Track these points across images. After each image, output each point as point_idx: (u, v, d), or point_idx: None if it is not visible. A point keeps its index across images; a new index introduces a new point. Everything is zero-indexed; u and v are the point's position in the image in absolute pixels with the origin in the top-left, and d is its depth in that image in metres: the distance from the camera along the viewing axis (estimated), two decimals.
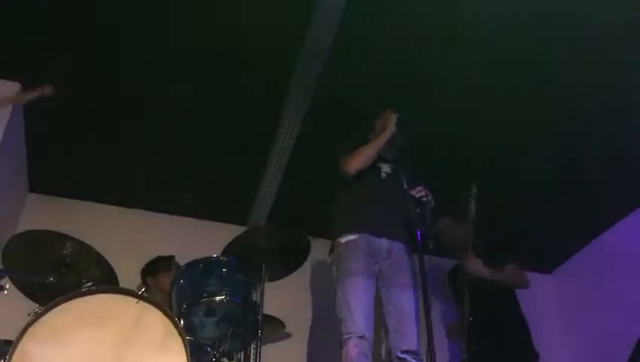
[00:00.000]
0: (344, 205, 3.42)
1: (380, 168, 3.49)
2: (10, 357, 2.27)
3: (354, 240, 3.19)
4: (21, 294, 3.00)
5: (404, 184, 3.32)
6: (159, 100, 3.90)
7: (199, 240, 4.39)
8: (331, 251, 3.33)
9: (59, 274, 2.92)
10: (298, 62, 3.62)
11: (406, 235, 3.24)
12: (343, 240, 3.23)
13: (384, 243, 3.22)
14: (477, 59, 3.62)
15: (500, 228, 4.37)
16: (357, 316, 2.96)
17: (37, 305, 2.90)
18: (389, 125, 3.41)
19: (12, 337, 2.55)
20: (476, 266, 3.72)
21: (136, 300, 2.49)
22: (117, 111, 3.98)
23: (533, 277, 5.10)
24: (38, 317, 2.38)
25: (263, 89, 3.83)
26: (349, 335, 2.93)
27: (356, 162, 3.34)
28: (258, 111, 3.98)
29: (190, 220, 4.85)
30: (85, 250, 2.98)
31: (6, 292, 2.72)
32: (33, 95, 3.30)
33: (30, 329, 2.35)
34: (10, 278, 2.82)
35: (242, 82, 3.78)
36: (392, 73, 3.74)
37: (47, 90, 3.26)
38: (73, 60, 3.60)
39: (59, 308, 2.42)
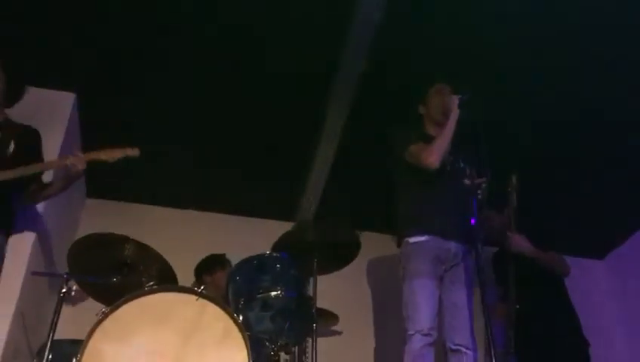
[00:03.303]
0: (411, 200, 3.38)
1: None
2: (82, 355, 2.39)
3: (424, 241, 3.21)
4: (86, 295, 3.14)
5: (467, 170, 3.27)
6: (208, 101, 3.98)
7: (249, 237, 4.49)
8: (398, 245, 3.35)
9: (121, 275, 3.05)
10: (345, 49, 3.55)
11: (466, 231, 3.15)
12: (412, 240, 3.24)
13: (452, 246, 3.24)
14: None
15: (550, 213, 4.33)
16: (423, 315, 3.02)
17: (102, 305, 3.06)
18: (453, 109, 3.26)
19: (79, 336, 2.71)
20: (521, 241, 3.66)
21: (197, 298, 2.58)
22: (166, 116, 4.09)
23: (585, 263, 5.06)
24: (105, 316, 2.50)
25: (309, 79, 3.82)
26: (414, 332, 3.00)
27: (436, 156, 3.21)
28: (304, 105, 3.98)
29: (240, 218, 4.95)
30: (144, 250, 3.09)
31: (73, 293, 2.87)
32: (117, 155, 3.13)
33: (99, 328, 2.47)
34: (77, 280, 2.94)
35: (287, 71, 3.78)
36: (443, 53, 3.62)
37: (133, 152, 3.13)
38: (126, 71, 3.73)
39: (124, 307, 2.53)
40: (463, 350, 3.03)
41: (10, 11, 3.35)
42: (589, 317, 3.84)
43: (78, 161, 2.98)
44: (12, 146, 3.00)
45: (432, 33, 3.52)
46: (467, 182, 3.14)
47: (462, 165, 3.37)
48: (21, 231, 3.26)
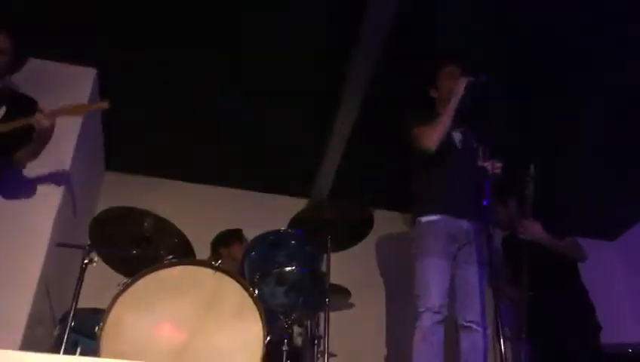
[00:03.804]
0: (424, 180, 3.42)
1: (452, 138, 3.43)
2: (104, 323, 2.48)
3: (436, 221, 3.25)
4: (107, 266, 3.24)
5: (479, 152, 3.30)
6: (225, 77, 4.02)
7: (265, 213, 4.56)
8: (413, 223, 3.40)
9: (140, 247, 3.13)
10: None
11: (479, 210, 3.13)
12: (424, 219, 3.29)
13: (464, 225, 3.27)
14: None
15: (561, 195, 4.36)
16: (433, 293, 3.07)
17: (121, 276, 3.17)
18: (457, 92, 3.27)
19: (100, 305, 2.80)
20: (536, 228, 3.66)
21: (214, 271, 2.66)
22: (188, 93, 4.14)
23: (596, 244, 5.08)
24: (126, 287, 2.58)
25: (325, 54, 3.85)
26: (424, 310, 3.06)
27: (434, 137, 3.25)
28: (319, 80, 4.01)
29: (256, 194, 5.05)
30: (163, 224, 3.14)
31: (95, 264, 2.96)
32: (84, 109, 3.27)
33: (120, 298, 2.54)
34: (98, 252, 3.04)
35: (304, 49, 3.80)
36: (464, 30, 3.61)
37: (104, 105, 3.15)
38: (145, 46, 3.77)
39: (144, 278, 2.60)
40: (474, 327, 3.08)
41: None
42: (602, 297, 3.86)
43: (43, 118, 2.98)
44: (2, 111, 3.06)
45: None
46: (482, 163, 3.17)
47: (475, 145, 3.40)
48: (43, 202, 3.35)
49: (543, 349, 3.66)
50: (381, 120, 4.09)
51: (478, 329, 3.07)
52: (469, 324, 3.10)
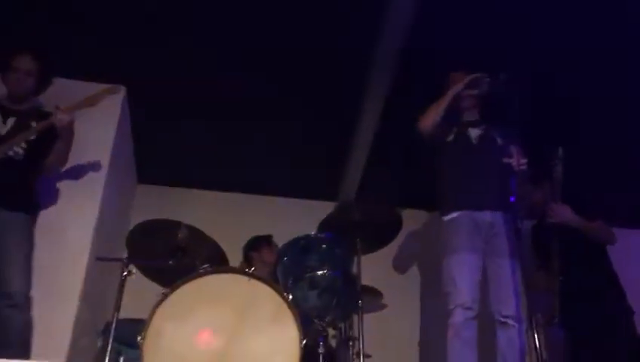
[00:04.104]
0: (442, 179, 3.49)
1: (468, 135, 3.49)
2: (145, 333, 2.58)
3: (457, 217, 3.29)
4: (144, 277, 3.34)
5: (498, 141, 3.38)
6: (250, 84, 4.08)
7: (294, 217, 4.68)
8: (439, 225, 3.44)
9: (176, 258, 3.22)
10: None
11: (504, 202, 3.22)
12: (446, 218, 3.33)
13: (487, 216, 3.29)
14: None
15: (590, 182, 4.31)
16: (462, 290, 3.11)
17: (158, 286, 3.27)
18: (457, 83, 3.42)
19: (139, 315, 2.89)
20: (565, 211, 3.62)
21: (248, 278, 2.74)
22: (212, 99, 4.21)
23: (628, 233, 5.04)
24: (165, 297, 2.67)
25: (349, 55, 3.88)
26: (454, 306, 3.09)
27: (428, 120, 3.41)
28: (343, 83, 4.05)
29: (285, 200, 5.14)
30: (196, 234, 3.23)
31: (134, 276, 3.07)
32: (99, 98, 3.30)
33: (159, 309, 2.64)
34: (135, 264, 3.14)
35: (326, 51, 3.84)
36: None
37: (116, 89, 3.30)
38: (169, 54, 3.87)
39: (182, 288, 2.69)
40: (511, 323, 3.08)
41: (62, 10, 3.54)
42: (630, 287, 3.83)
43: (63, 115, 3.11)
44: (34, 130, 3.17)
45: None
46: (507, 160, 3.19)
47: (500, 142, 3.43)
48: (81, 216, 3.46)
49: (577, 334, 3.62)
50: (405, 121, 4.11)
51: (515, 324, 3.07)
52: (505, 320, 3.10)
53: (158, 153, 4.66)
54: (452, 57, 3.72)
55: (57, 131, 3.17)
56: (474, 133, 3.51)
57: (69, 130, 3.18)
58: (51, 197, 3.48)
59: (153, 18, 3.63)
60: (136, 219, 4.42)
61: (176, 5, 3.56)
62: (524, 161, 3.16)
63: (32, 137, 3.14)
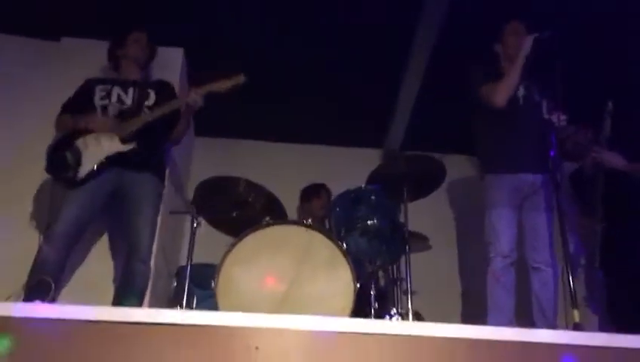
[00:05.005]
0: (489, 138, 3.58)
1: (517, 93, 3.51)
2: (218, 276, 2.93)
3: (501, 176, 3.45)
4: (212, 228, 3.70)
5: (543, 105, 3.45)
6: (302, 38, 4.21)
7: (344, 166, 4.93)
8: (481, 178, 3.62)
9: (238, 209, 3.56)
10: None
11: (545, 162, 3.16)
12: (490, 176, 3.50)
13: (530, 178, 3.45)
14: None
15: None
16: (502, 241, 3.33)
17: (223, 235, 3.62)
18: (525, 46, 3.38)
19: (210, 261, 3.26)
20: (613, 157, 3.65)
21: (305, 228, 3.06)
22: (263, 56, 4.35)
23: None
24: (233, 246, 3.01)
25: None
26: (494, 255, 3.34)
27: (503, 94, 3.39)
28: (390, 33, 4.12)
29: (335, 148, 5.36)
30: (255, 187, 3.53)
31: (202, 227, 3.42)
32: (227, 84, 3.42)
33: (229, 256, 2.98)
34: (204, 216, 3.49)
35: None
36: None
37: (240, 79, 3.39)
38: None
39: (247, 238, 3.03)
40: (543, 267, 3.33)
41: None
42: None
43: (197, 96, 3.37)
44: (152, 97, 3.48)
45: None
46: (547, 116, 3.33)
47: (537, 98, 3.52)
48: None
49: (617, 277, 3.74)
50: (450, 70, 4.20)
51: (547, 268, 3.32)
52: (538, 265, 3.35)
53: (212, 107, 4.87)
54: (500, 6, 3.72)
55: (186, 110, 3.45)
56: (520, 92, 3.53)
57: (195, 108, 3.45)
58: None
59: None
60: (196, 171, 4.81)
61: None
62: (564, 117, 3.27)
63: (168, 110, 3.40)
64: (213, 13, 4.02)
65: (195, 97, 3.36)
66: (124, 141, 3.25)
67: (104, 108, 3.40)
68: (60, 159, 3.17)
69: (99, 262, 3.45)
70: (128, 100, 3.45)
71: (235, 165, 4.46)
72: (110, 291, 3.21)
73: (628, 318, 3.57)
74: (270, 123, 5.07)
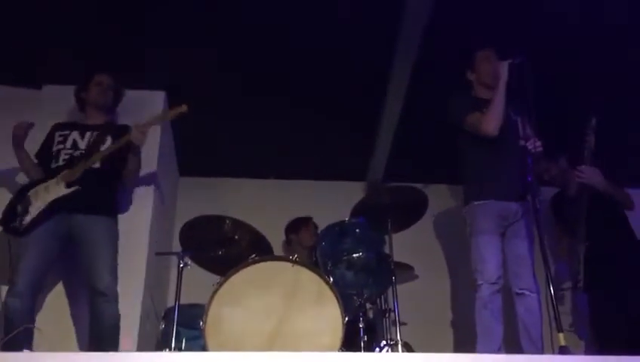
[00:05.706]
0: (474, 165, 3.61)
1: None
2: (206, 317, 2.90)
3: (487, 203, 3.48)
4: (199, 268, 3.67)
5: (519, 127, 3.50)
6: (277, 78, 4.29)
7: (328, 200, 4.98)
8: (465, 203, 3.63)
9: (225, 248, 3.56)
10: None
11: (525, 187, 3.27)
12: (477, 202, 3.52)
13: (513, 206, 3.48)
14: None
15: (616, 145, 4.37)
16: (490, 267, 3.36)
17: (210, 274, 3.61)
18: (502, 75, 3.42)
19: (197, 300, 3.25)
20: (595, 173, 3.71)
21: (292, 264, 3.05)
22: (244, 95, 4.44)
23: None
24: (220, 285, 2.99)
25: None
26: (482, 282, 3.37)
27: (494, 123, 3.42)
28: (369, 65, 4.17)
29: (316, 183, 5.40)
30: (240, 225, 3.52)
31: (189, 267, 3.42)
32: (169, 116, 3.63)
33: (216, 295, 2.95)
34: (190, 256, 3.49)
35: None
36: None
37: (182, 109, 3.46)
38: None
39: (234, 276, 3.00)
40: (527, 293, 3.36)
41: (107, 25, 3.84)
42: None
43: (139, 133, 3.41)
44: (109, 141, 3.51)
45: None
46: (523, 143, 3.38)
47: (514, 118, 3.56)
48: (139, 215, 3.81)
49: (601, 297, 3.83)
50: (429, 101, 4.20)
51: (532, 294, 3.35)
52: (522, 291, 3.38)
53: (197, 147, 4.92)
54: (474, 33, 3.82)
55: (131, 147, 3.48)
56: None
57: (141, 146, 3.49)
58: None
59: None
60: (181, 211, 4.81)
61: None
62: (539, 143, 3.30)
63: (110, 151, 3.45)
64: (195, 58, 4.09)
65: (137, 135, 3.41)
66: (68, 185, 3.31)
67: (57, 153, 3.48)
68: (12, 210, 3.30)
69: (62, 308, 3.48)
70: (82, 145, 3.51)
71: (220, 203, 4.50)
72: (74, 336, 3.24)
73: (613, 337, 3.63)
74: (252, 160, 5.14)
